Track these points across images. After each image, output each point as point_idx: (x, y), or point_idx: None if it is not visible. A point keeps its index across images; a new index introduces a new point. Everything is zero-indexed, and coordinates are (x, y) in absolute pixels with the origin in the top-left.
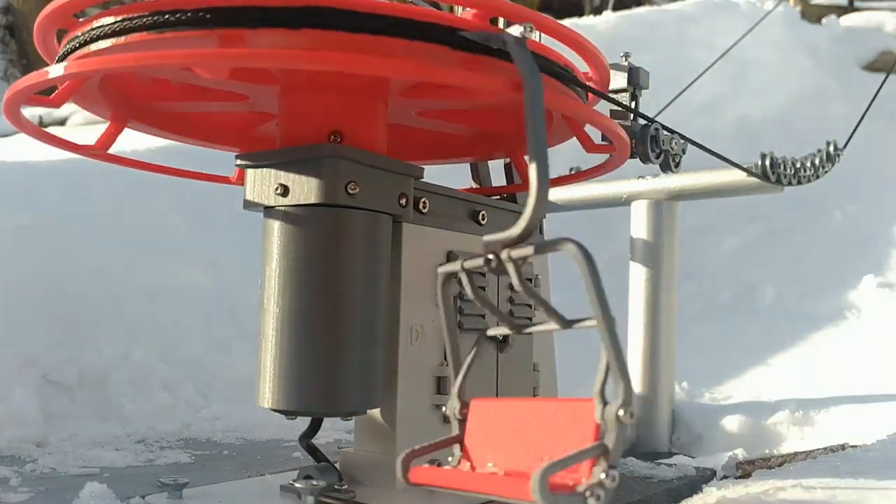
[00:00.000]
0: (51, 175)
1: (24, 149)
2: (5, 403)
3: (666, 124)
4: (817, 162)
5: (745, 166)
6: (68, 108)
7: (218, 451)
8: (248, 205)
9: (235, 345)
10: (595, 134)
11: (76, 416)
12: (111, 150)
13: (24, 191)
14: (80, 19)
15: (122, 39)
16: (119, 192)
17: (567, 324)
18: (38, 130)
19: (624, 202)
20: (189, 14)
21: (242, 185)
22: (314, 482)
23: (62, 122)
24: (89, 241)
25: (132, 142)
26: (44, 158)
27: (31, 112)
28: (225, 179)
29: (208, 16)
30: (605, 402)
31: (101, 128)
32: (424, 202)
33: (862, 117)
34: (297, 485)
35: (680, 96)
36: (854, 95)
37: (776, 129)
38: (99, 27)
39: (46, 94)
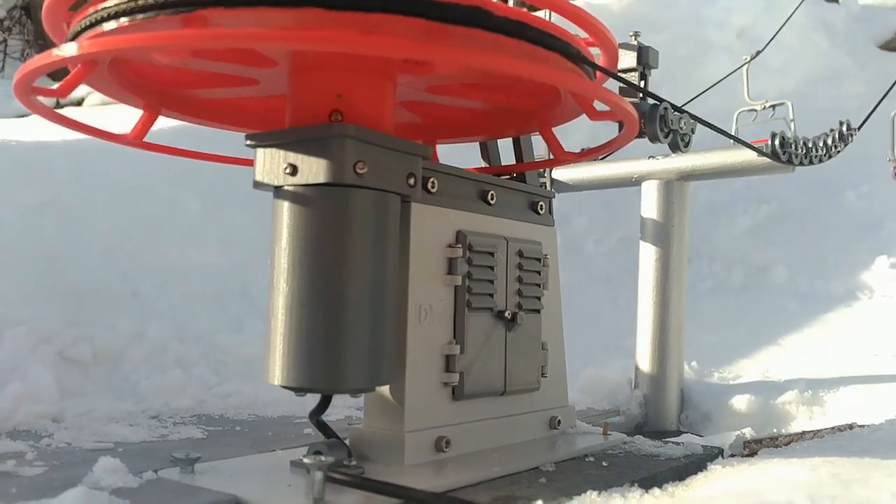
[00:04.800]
0: (65, 155)
1: (38, 129)
2: (22, 380)
3: (676, 104)
4: (829, 142)
5: (755, 146)
6: (85, 89)
7: (230, 427)
8: (258, 184)
9: (248, 322)
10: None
11: (91, 393)
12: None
13: (39, 170)
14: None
15: (130, 20)
16: (132, 171)
17: None
18: (56, 114)
19: (634, 182)
20: None
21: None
22: (324, 458)
23: (79, 103)
24: (103, 220)
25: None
26: (58, 139)
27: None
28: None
29: None
30: None
31: (118, 108)
32: (433, 182)
33: (881, 100)
34: (306, 460)
35: (694, 76)
36: (870, 75)
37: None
38: (109, 7)
39: (59, 77)
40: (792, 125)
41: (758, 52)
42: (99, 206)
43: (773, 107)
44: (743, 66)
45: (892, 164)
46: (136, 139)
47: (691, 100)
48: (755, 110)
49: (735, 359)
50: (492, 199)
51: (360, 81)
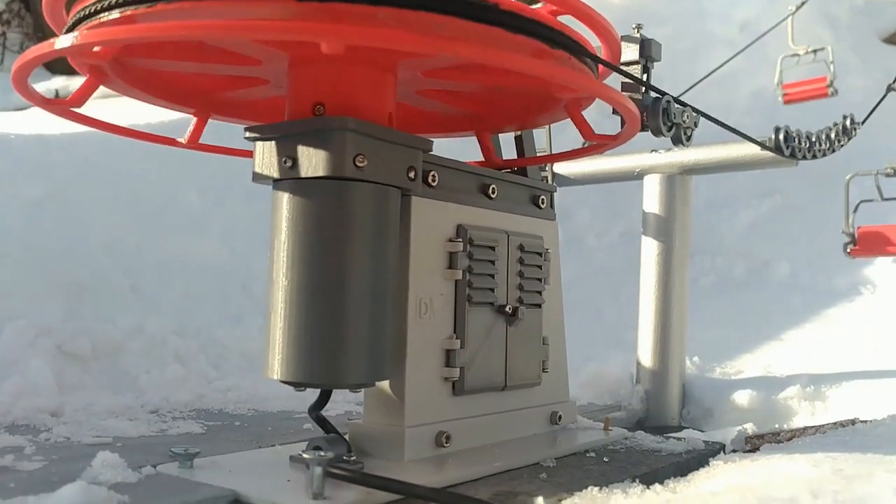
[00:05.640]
0: (64, 148)
1: (38, 122)
2: (21, 374)
3: (679, 97)
4: (833, 136)
5: (758, 140)
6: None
7: (229, 422)
8: (257, 177)
9: (248, 317)
10: (607, 107)
11: (90, 387)
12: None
13: (39, 163)
14: None
15: (130, 10)
16: (132, 165)
17: None
18: (45, 100)
19: (636, 176)
20: None
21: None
22: (323, 453)
23: None
24: (103, 213)
25: (145, 116)
26: (58, 131)
27: (46, 86)
28: (172, 141)
29: None
30: None
31: (119, 102)
32: (433, 175)
33: (884, 96)
34: (306, 456)
35: (696, 70)
36: (873, 68)
37: None
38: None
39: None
40: (832, 67)
41: (803, 3)
42: (99, 200)
43: (815, 51)
44: (788, 16)
45: (849, 241)
46: (75, 105)
47: (691, 87)
48: (798, 55)
49: (737, 354)
50: (493, 192)
51: (360, 74)
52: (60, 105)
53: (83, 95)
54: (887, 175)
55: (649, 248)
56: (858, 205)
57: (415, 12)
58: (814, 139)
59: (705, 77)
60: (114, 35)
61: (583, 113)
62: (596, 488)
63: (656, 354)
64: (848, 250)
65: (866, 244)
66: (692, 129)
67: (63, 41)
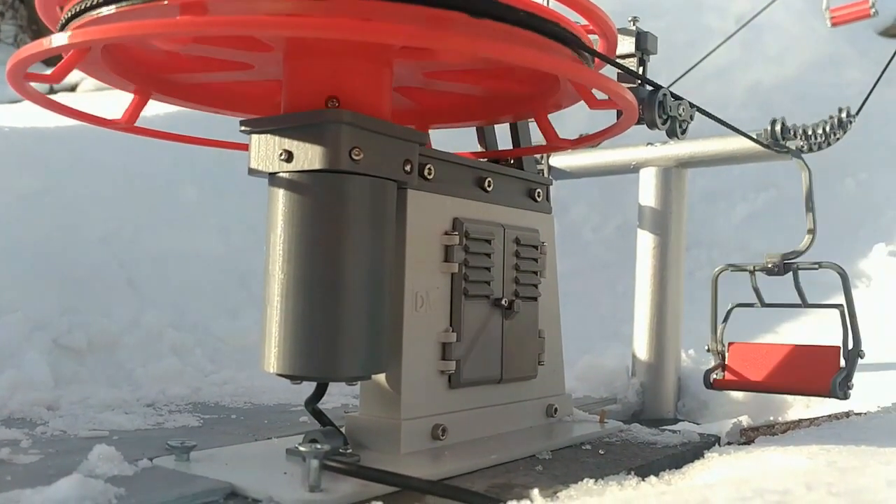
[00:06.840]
0: (60, 141)
1: (32, 115)
2: (17, 367)
3: (675, 90)
4: (828, 129)
5: (753, 134)
6: (79, 75)
7: (226, 415)
8: (253, 171)
9: (244, 310)
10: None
11: (86, 380)
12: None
13: (34, 157)
14: None
15: (125, 6)
16: (129, 158)
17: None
18: (48, 100)
19: (632, 169)
20: None
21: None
22: (319, 446)
23: (72, 89)
24: (99, 206)
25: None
26: (53, 124)
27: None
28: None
29: None
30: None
31: (112, 94)
32: (430, 168)
33: (875, 84)
34: (302, 448)
35: (692, 63)
36: (869, 62)
37: (789, 95)
38: None
39: (49, 63)
40: None
41: None
42: (95, 193)
43: None
44: None
45: (717, 366)
46: (128, 124)
47: (681, 77)
48: None
49: None
50: (489, 186)
51: (356, 67)
52: (116, 124)
53: (132, 114)
54: (768, 273)
55: (645, 242)
56: (730, 311)
57: (414, 7)
58: (809, 132)
59: (695, 65)
60: (99, 34)
61: (575, 107)
62: (591, 480)
63: (652, 347)
64: (711, 380)
65: (739, 371)
66: (688, 123)
67: (57, 39)
